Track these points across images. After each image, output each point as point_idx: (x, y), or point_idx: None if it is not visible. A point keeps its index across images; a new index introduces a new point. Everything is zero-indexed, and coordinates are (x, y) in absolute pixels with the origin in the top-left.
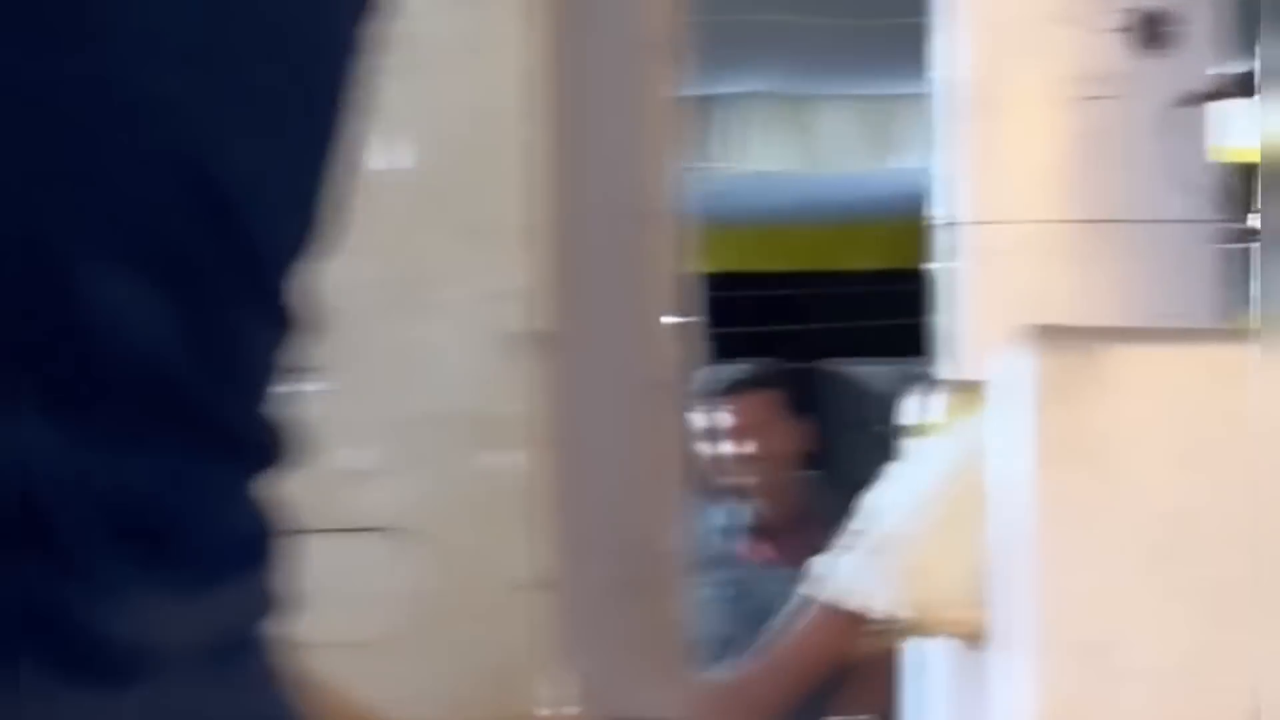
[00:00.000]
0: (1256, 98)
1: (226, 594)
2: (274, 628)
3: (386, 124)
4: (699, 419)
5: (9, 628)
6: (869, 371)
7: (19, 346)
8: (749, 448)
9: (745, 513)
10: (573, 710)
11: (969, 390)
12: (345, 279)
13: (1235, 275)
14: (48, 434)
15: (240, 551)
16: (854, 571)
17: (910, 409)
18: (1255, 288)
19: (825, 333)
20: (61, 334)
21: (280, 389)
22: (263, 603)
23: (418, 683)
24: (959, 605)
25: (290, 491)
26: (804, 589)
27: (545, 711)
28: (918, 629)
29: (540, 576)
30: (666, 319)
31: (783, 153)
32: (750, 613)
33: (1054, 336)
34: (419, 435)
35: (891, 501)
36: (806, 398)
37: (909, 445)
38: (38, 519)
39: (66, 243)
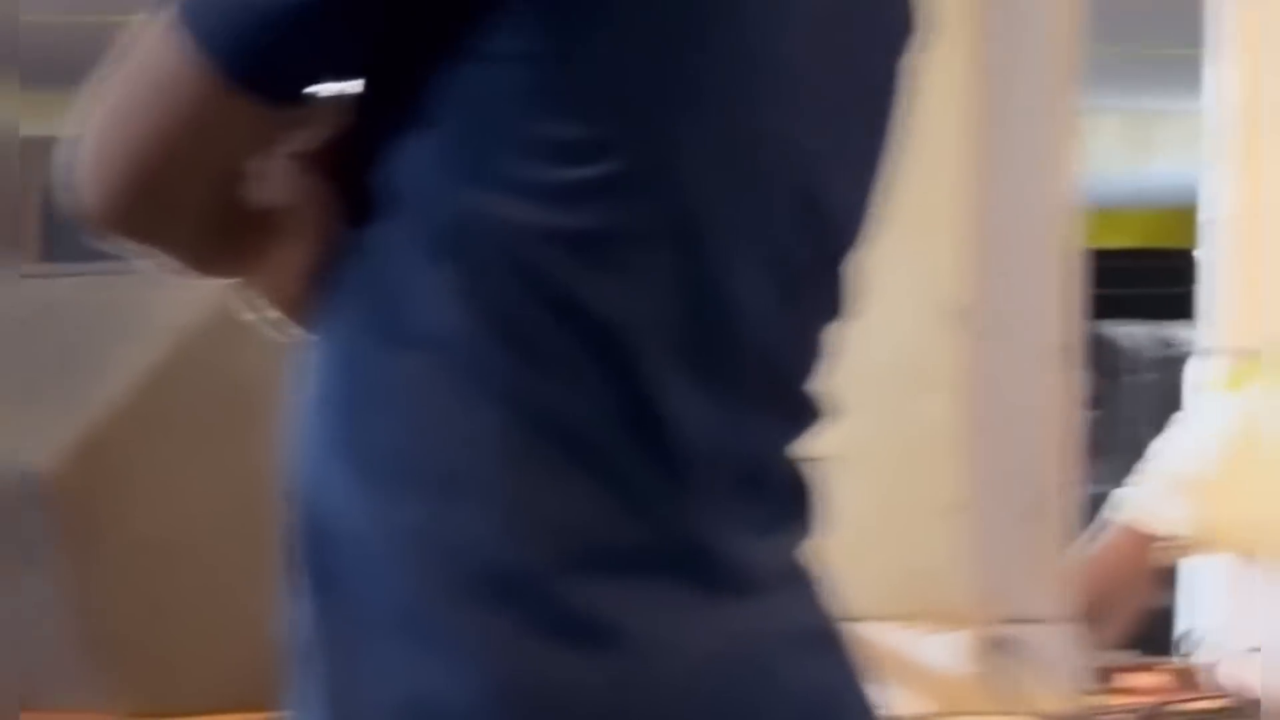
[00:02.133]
0: None
1: (792, 528)
2: (813, 550)
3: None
4: None
5: (650, 547)
6: (1122, 332)
7: (676, 325)
8: None
9: None
10: (979, 608)
11: (1248, 356)
12: None
13: None
14: (698, 398)
15: (797, 494)
16: (1152, 500)
17: (1198, 369)
18: None
19: (1095, 298)
20: (714, 327)
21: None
22: (809, 533)
23: (860, 583)
24: (1246, 528)
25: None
26: (1108, 513)
27: (960, 612)
28: (1205, 548)
29: (958, 501)
30: (1064, 292)
31: None
32: None
33: None
34: (864, 384)
35: (1184, 446)
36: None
37: (1198, 400)
38: (683, 465)
39: (717, 242)
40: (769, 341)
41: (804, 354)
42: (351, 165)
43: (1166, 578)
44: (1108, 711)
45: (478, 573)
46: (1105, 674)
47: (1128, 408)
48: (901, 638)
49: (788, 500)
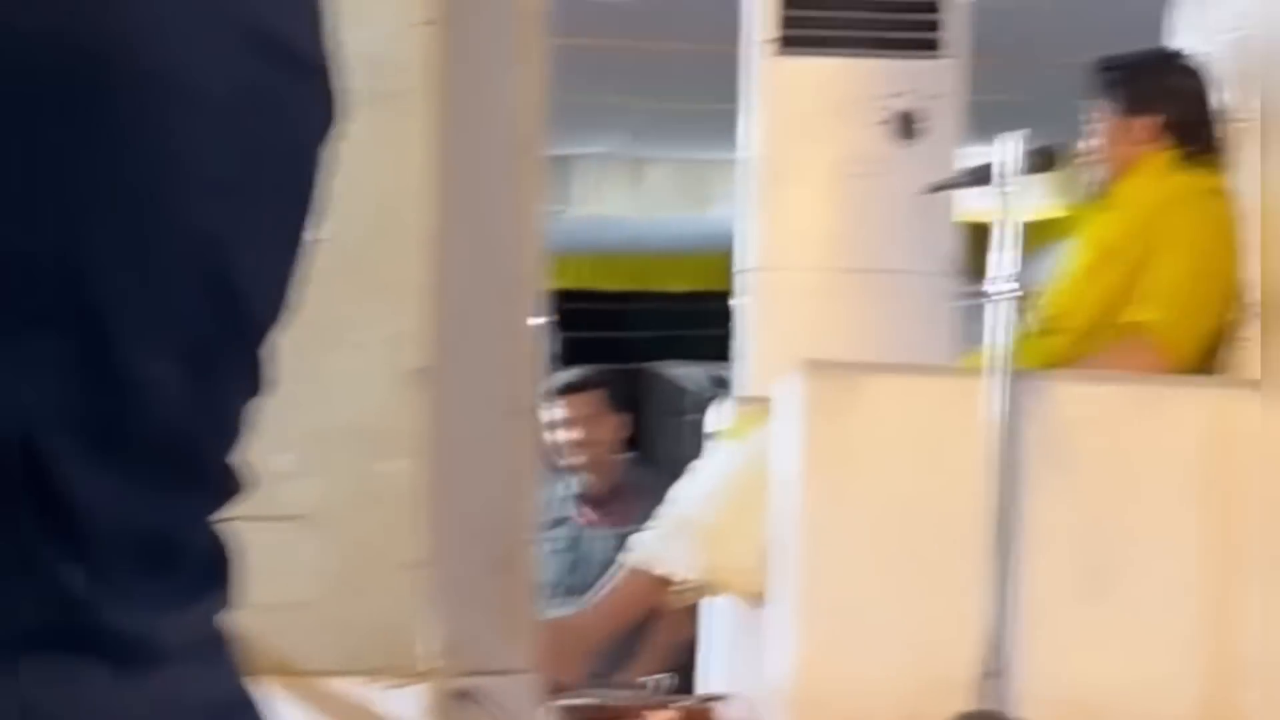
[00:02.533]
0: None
1: (206, 599)
2: (230, 619)
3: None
4: (545, 413)
5: (50, 624)
6: (683, 372)
7: (80, 409)
8: (578, 435)
9: (576, 486)
10: (442, 663)
11: (758, 404)
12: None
13: (969, 322)
14: (105, 479)
15: (214, 565)
16: (662, 543)
17: (712, 417)
18: (980, 330)
19: (650, 340)
20: (120, 410)
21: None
22: (227, 602)
23: (322, 639)
24: (744, 572)
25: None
26: (622, 555)
27: (421, 665)
28: (711, 590)
29: (421, 557)
30: (525, 349)
31: (621, 199)
32: (579, 564)
33: (820, 367)
34: (329, 444)
35: (693, 490)
36: (628, 394)
37: (710, 446)
38: (89, 544)
39: (123, 332)
40: (180, 421)
41: (220, 430)
42: None
43: (684, 619)
44: None
45: None
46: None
47: (689, 447)
48: (364, 693)
49: (204, 571)
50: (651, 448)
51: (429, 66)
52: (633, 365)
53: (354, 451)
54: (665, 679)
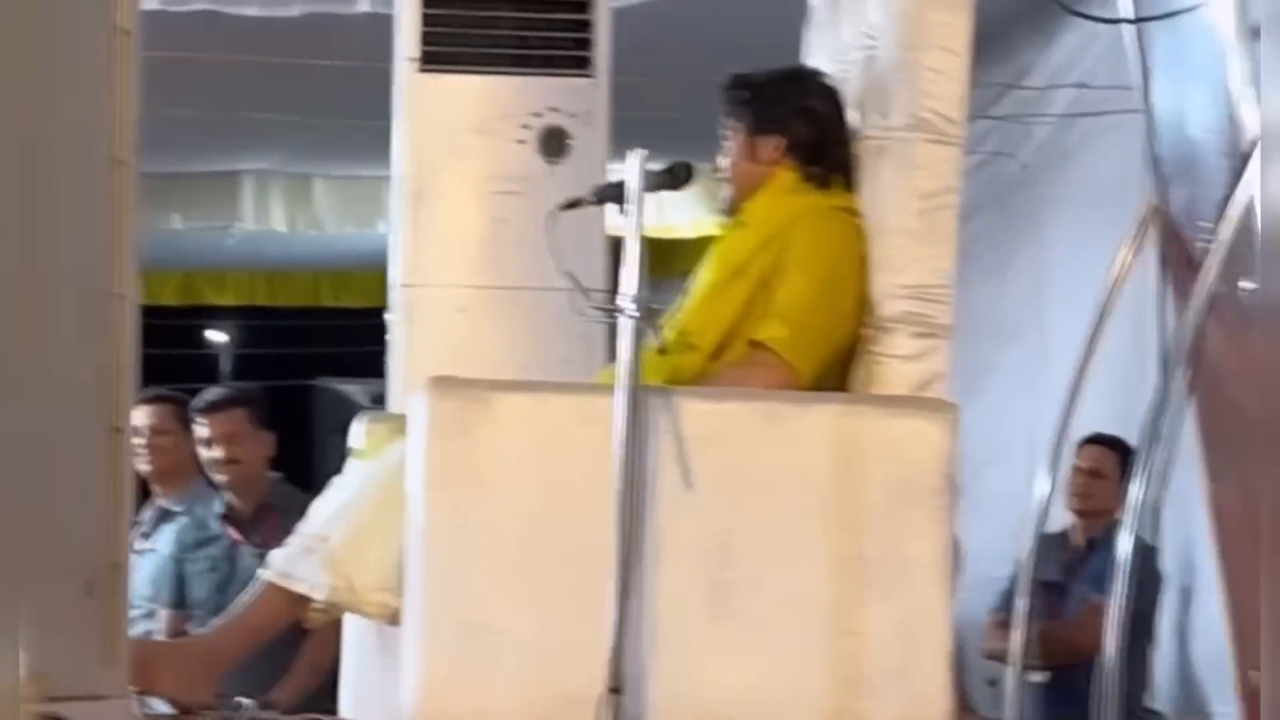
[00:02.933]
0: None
1: None
2: None
3: None
4: (196, 429)
5: None
6: (351, 389)
7: None
8: (220, 453)
9: (222, 503)
10: (29, 688)
11: (389, 422)
12: None
13: (606, 338)
14: None
15: None
16: (295, 561)
17: (355, 433)
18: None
19: (320, 356)
20: None
21: None
22: None
23: None
24: (377, 592)
25: None
26: (261, 572)
27: (7, 690)
28: (347, 609)
29: (6, 580)
30: (114, 367)
31: (289, 215)
32: (228, 583)
33: (446, 384)
34: None
35: (329, 507)
36: (274, 412)
37: (350, 463)
38: None
39: None
40: None
41: None
42: None
43: (328, 636)
44: None
45: None
46: None
47: (339, 466)
48: None
49: None
50: (321, 464)
51: (15, 80)
52: (301, 382)
53: None
54: (250, 703)
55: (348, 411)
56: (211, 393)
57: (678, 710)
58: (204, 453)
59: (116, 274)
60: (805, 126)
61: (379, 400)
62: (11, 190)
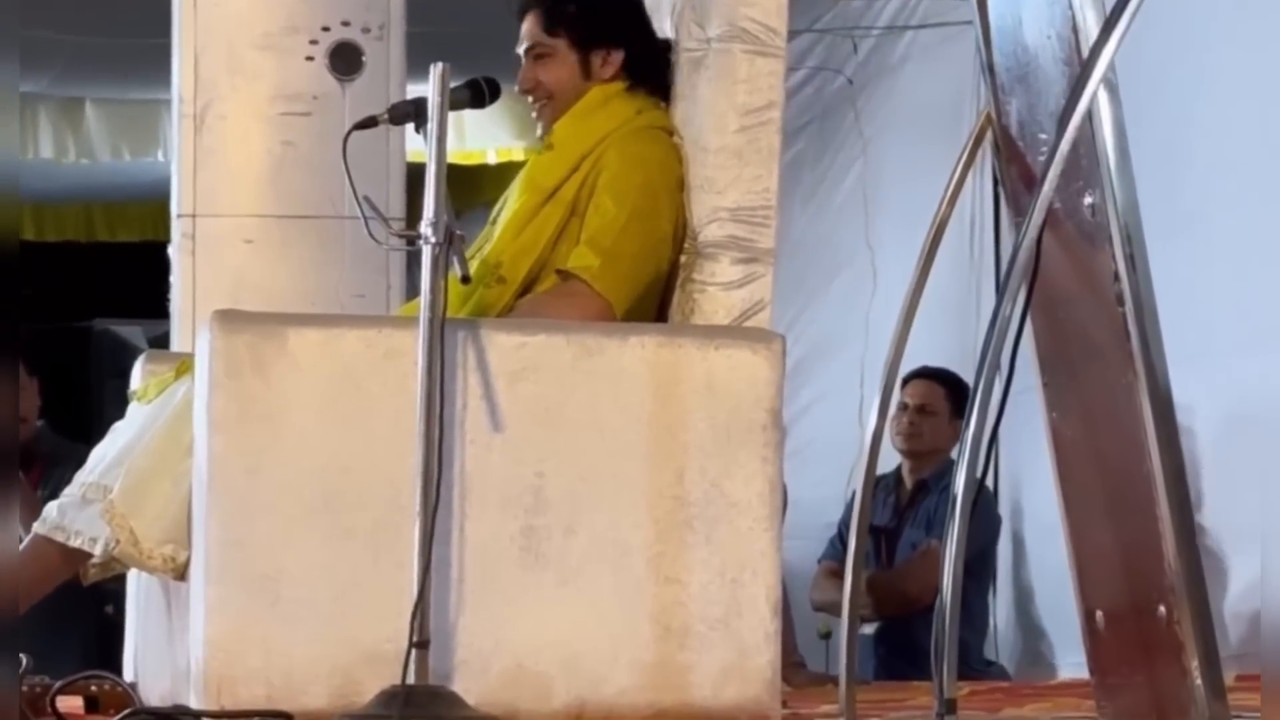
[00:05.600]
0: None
1: None
2: None
3: None
4: None
5: None
6: (130, 330)
7: None
8: None
9: None
10: None
11: (181, 360)
12: None
13: (404, 272)
14: None
15: None
16: (71, 512)
17: (135, 375)
18: (420, 279)
19: (96, 295)
20: None
21: None
22: None
23: None
24: (161, 545)
25: None
26: (35, 525)
27: None
28: (129, 563)
29: None
30: None
31: (59, 144)
32: None
33: (233, 319)
34: None
35: (109, 454)
36: (61, 351)
37: (130, 406)
38: None
39: None
40: None
41: None
42: None
43: (112, 596)
44: None
45: None
46: None
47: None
48: None
49: None
50: (99, 410)
51: None
52: (75, 323)
53: None
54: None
55: (127, 354)
56: None
57: (488, 665)
58: None
59: None
60: (642, 38)
61: (161, 341)
62: None
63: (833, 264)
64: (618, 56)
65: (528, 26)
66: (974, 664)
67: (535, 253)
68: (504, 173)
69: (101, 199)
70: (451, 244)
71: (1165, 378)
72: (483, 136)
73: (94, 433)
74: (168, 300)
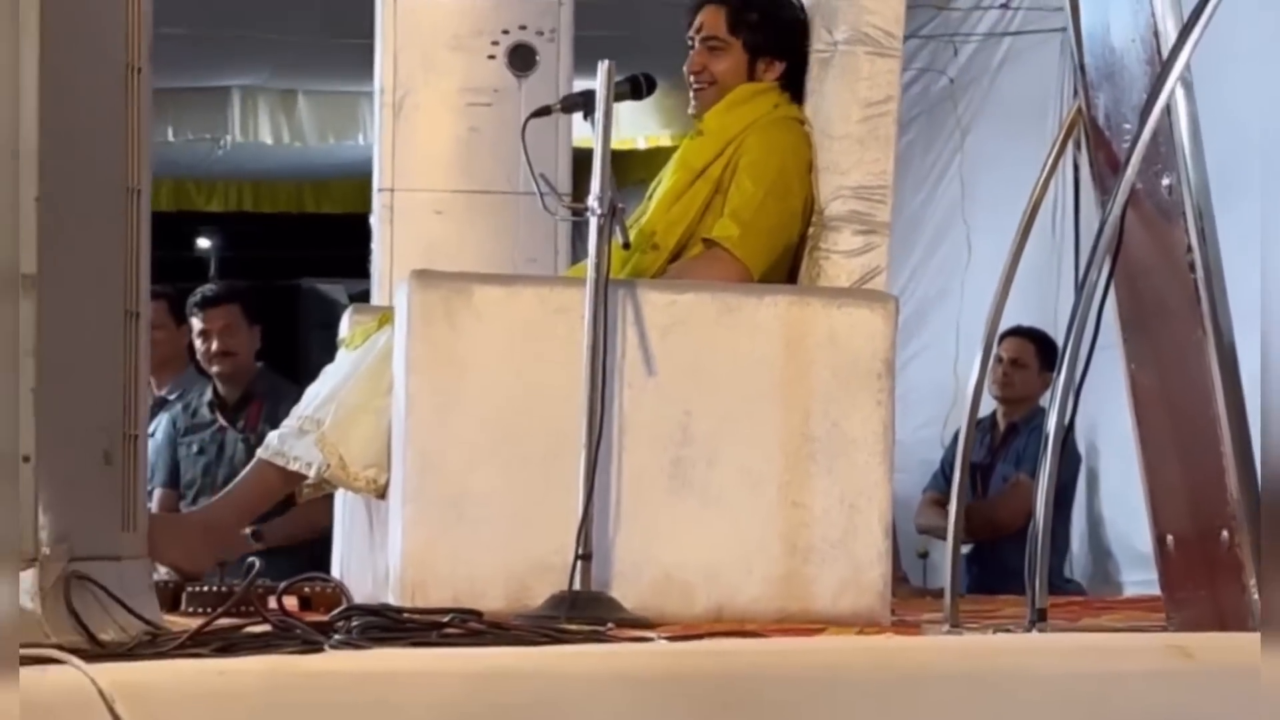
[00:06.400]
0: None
1: None
2: None
3: None
4: (193, 322)
5: None
6: (332, 288)
7: None
8: (215, 345)
9: (212, 392)
10: (52, 549)
11: (373, 314)
12: None
13: (575, 235)
14: None
15: None
16: (289, 441)
17: (343, 324)
18: (585, 246)
19: (303, 259)
20: None
21: None
22: None
23: None
24: (365, 469)
25: None
26: (259, 451)
27: (33, 551)
28: (337, 485)
29: (28, 452)
30: (127, 258)
31: (275, 129)
32: (216, 465)
33: (428, 277)
34: None
35: (321, 391)
36: (264, 308)
37: (339, 351)
38: None
39: None
40: None
41: None
42: None
43: (317, 510)
44: (165, 639)
45: None
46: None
47: (332, 356)
48: None
49: None
50: (305, 356)
51: None
52: (287, 282)
53: None
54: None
55: (328, 309)
56: (209, 289)
57: (641, 575)
58: (200, 344)
59: (133, 170)
60: (802, 54)
61: (357, 298)
62: (45, 91)
63: (935, 238)
64: (779, 66)
65: (708, 18)
66: (1055, 581)
67: (685, 224)
68: (652, 157)
69: (310, 177)
70: (614, 215)
71: (1230, 335)
72: (633, 126)
73: (301, 375)
74: (367, 262)
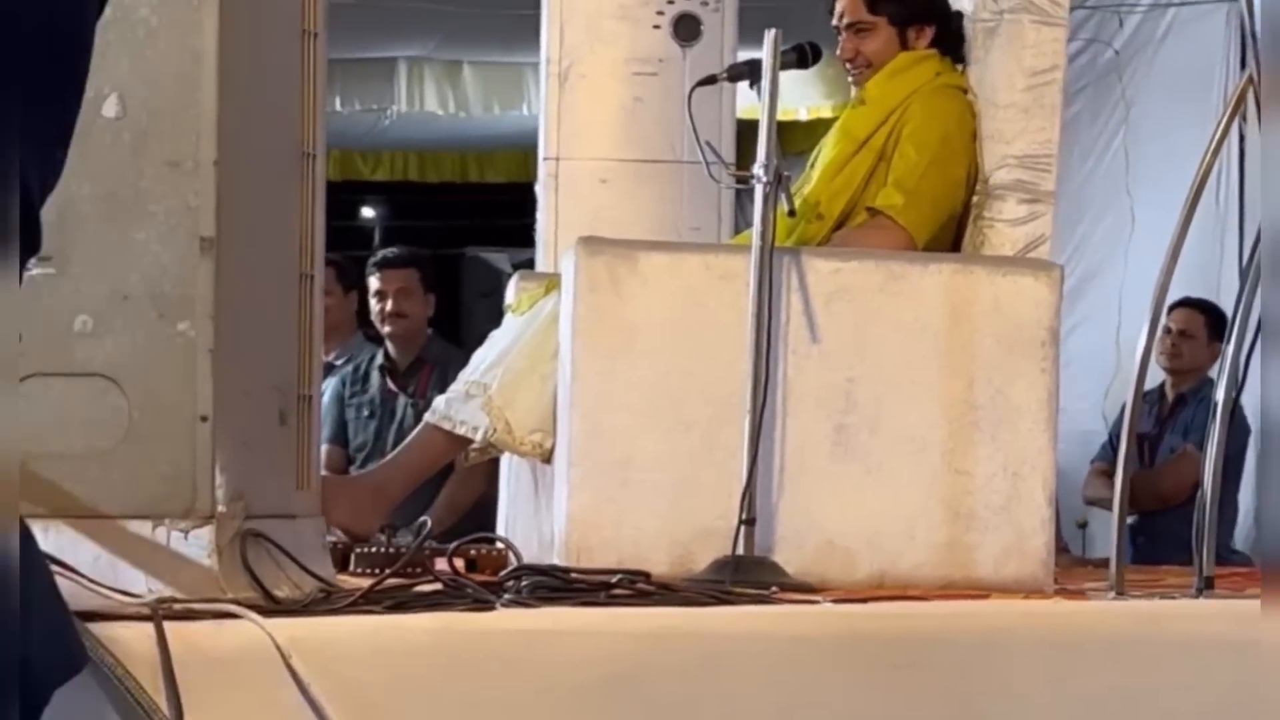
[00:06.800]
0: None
1: None
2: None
3: (109, 84)
4: (371, 282)
5: None
6: (495, 257)
7: None
8: (391, 307)
9: (386, 354)
10: (228, 507)
11: (540, 280)
12: (82, 194)
13: (739, 203)
14: None
15: None
16: (457, 405)
17: (509, 290)
18: (752, 214)
19: (467, 228)
20: None
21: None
22: None
23: (119, 485)
24: (531, 433)
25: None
26: (426, 416)
27: (207, 510)
28: (503, 449)
29: (206, 411)
30: (308, 222)
31: (441, 99)
32: (384, 428)
33: (595, 244)
34: (126, 307)
35: (488, 357)
36: (435, 275)
37: (506, 317)
38: None
39: None
40: None
41: None
42: None
43: (479, 475)
44: (339, 596)
45: None
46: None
47: (496, 323)
48: (157, 534)
49: None
50: (469, 324)
51: None
52: (451, 251)
53: (145, 313)
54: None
55: (492, 278)
56: (390, 251)
57: (804, 540)
58: (375, 304)
59: (309, 136)
60: (947, 14)
61: (520, 267)
62: (224, 55)
63: (1099, 208)
64: (929, 31)
65: (847, 5)
66: (1222, 552)
67: (849, 193)
68: (813, 128)
69: (475, 147)
70: (780, 183)
71: None
72: (796, 97)
73: (466, 342)
74: (530, 232)
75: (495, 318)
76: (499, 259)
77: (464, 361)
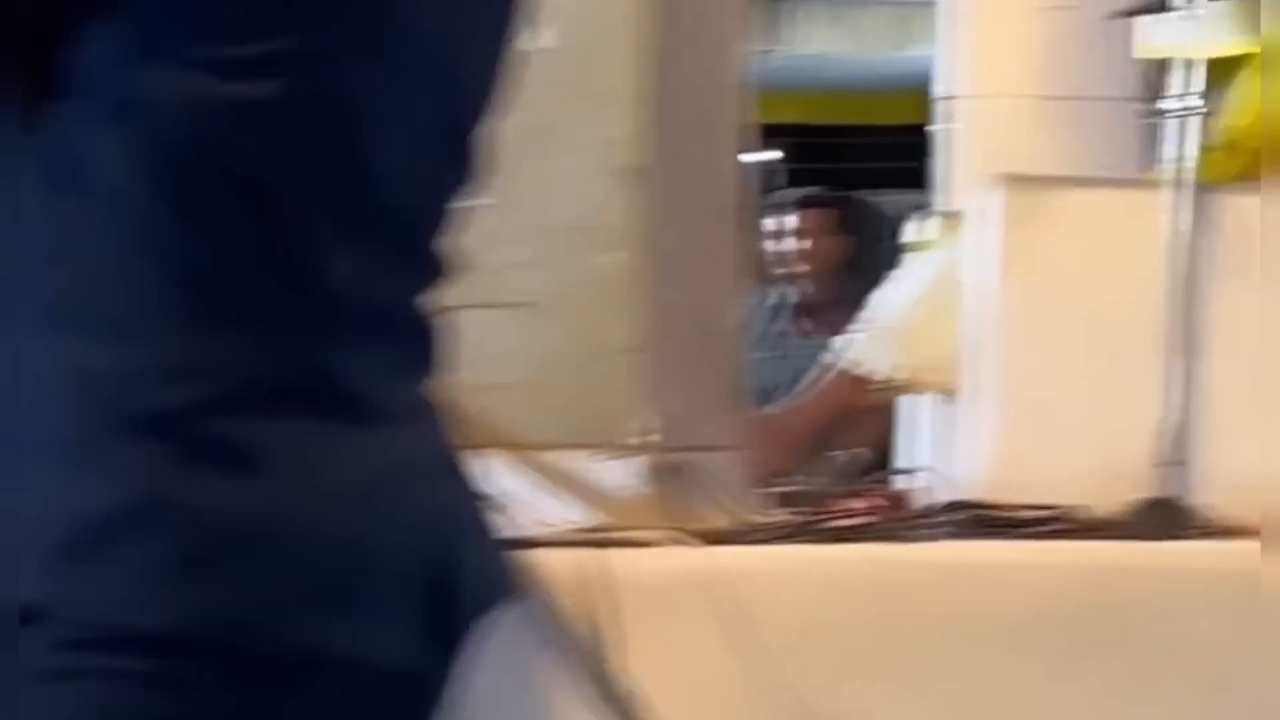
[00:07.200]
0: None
1: (418, 369)
2: (441, 390)
3: (547, 14)
4: (773, 223)
5: (305, 393)
6: (889, 200)
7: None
8: (805, 246)
9: (795, 295)
10: (654, 438)
11: (952, 217)
12: (506, 127)
13: (1152, 139)
14: (341, 252)
15: (425, 340)
16: (860, 346)
17: (911, 230)
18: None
19: (859, 170)
20: (359, 191)
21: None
22: (435, 374)
23: (544, 416)
24: (936, 371)
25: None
26: (829, 357)
27: (635, 440)
28: (906, 388)
29: (634, 342)
30: (731, 155)
31: (830, 38)
32: (791, 368)
33: (1017, 180)
34: (551, 238)
35: (893, 297)
36: (846, 217)
37: (909, 256)
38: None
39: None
40: (405, 206)
41: (435, 215)
42: (38, 46)
43: (886, 416)
44: (767, 526)
45: (135, 408)
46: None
47: (889, 268)
48: (582, 464)
49: (417, 344)
50: (859, 268)
51: None
52: (848, 194)
53: (573, 245)
54: (862, 452)
55: (889, 220)
56: (812, 190)
57: (1226, 484)
58: (792, 242)
59: (732, 73)
60: None
61: (915, 209)
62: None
63: None
64: None
65: None
66: None
67: (1276, 124)
68: (1228, 65)
69: (870, 89)
70: (1202, 118)
71: None
72: (1208, 32)
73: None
74: (924, 174)
75: (893, 261)
76: (895, 202)
77: (862, 303)
